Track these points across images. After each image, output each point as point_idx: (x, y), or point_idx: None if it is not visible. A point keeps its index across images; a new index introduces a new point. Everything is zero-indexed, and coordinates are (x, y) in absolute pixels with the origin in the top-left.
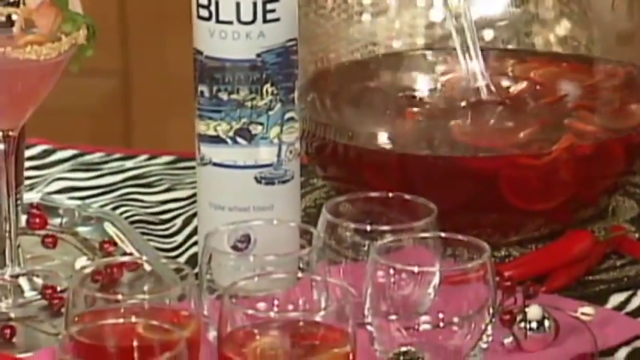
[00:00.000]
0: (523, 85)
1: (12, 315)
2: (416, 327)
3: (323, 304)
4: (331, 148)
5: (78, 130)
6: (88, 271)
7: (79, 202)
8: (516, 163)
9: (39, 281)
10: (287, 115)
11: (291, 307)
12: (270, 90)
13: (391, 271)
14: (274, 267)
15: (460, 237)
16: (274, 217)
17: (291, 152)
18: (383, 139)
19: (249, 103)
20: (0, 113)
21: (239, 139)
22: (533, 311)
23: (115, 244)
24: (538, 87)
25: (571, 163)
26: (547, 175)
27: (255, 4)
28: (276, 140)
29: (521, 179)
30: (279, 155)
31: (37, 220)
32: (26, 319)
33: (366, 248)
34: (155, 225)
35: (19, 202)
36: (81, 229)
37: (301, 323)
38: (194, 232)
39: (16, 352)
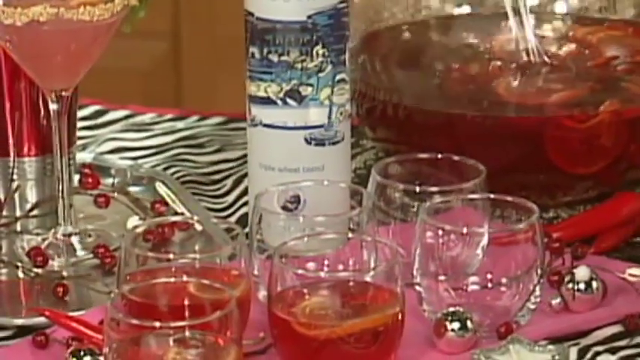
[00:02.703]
0: (572, 47)
1: (64, 274)
2: (464, 288)
3: (372, 265)
4: (381, 110)
5: (130, 90)
6: (139, 230)
7: (130, 162)
8: (561, 125)
9: (91, 240)
10: (338, 77)
11: (340, 267)
12: (320, 52)
13: (440, 232)
14: (324, 227)
15: (509, 198)
16: (324, 178)
17: (341, 114)
18: (432, 100)
19: (299, 65)
20: (53, 74)
21: (289, 101)
22: (581, 272)
23: (167, 204)
24: (587, 50)
25: (616, 127)
26: (591, 138)
27: None
28: (326, 102)
29: (566, 141)
30: (329, 117)
31: (90, 180)
32: (78, 277)
33: (415, 209)
34: (206, 185)
35: (71, 162)
36: (133, 189)
37: (350, 283)
38: (244, 192)
39: (68, 310)
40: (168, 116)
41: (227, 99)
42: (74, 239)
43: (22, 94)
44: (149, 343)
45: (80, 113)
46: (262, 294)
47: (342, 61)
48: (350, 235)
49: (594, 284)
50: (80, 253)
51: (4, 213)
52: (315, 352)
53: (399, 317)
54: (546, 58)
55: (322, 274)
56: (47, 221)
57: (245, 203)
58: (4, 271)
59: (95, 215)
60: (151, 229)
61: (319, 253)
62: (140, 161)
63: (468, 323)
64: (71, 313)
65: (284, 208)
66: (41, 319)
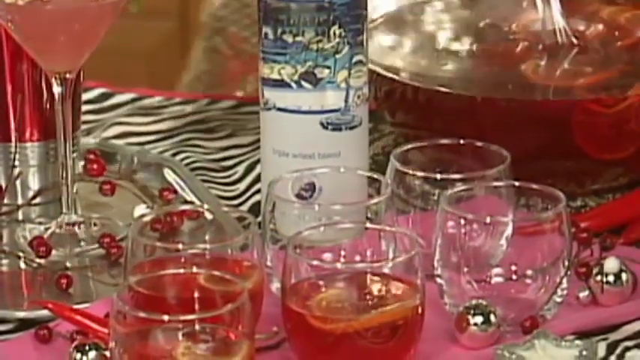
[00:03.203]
0: (600, 28)
1: (68, 264)
2: (487, 280)
3: (391, 255)
4: (400, 93)
5: (136, 72)
6: (147, 219)
7: (137, 147)
8: (589, 109)
9: (96, 230)
10: (355, 59)
11: (357, 258)
12: (337, 32)
13: (462, 222)
14: (340, 216)
15: (534, 186)
16: (341, 164)
17: (359, 97)
18: (454, 82)
19: (315, 46)
20: (57, 55)
21: (304, 83)
22: (610, 264)
23: (175, 191)
24: (616, 31)
25: None
26: (620, 123)
27: None
28: (343, 84)
29: (594, 126)
30: (346, 100)
31: (95, 167)
32: (83, 268)
33: (435, 197)
34: (216, 172)
35: (75, 147)
36: (140, 176)
37: (368, 275)
38: (257, 179)
39: (72, 303)
40: (177, 99)
41: (238, 82)
42: (78, 229)
43: (24, 77)
44: (157, 337)
45: (85, 96)
46: (275, 286)
47: (359, 42)
48: (367, 224)
49: (624, 276)
50: (85, 243)
51: (5, 201)
52: (331, 347)
53: (419, 311)
54: (574, 40)
55: (338, 266)
56: (50, 209)
57: (258, 191)
58: (5, 261)
59: (100, 203)
60: (159, 218)
61: (335, 244)
62: (147, 147)
63: (491, 317)
64: (75, 306)
65: (298, 196)
66: (44, 313)
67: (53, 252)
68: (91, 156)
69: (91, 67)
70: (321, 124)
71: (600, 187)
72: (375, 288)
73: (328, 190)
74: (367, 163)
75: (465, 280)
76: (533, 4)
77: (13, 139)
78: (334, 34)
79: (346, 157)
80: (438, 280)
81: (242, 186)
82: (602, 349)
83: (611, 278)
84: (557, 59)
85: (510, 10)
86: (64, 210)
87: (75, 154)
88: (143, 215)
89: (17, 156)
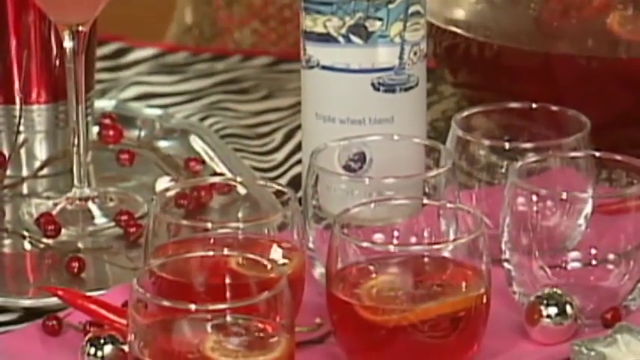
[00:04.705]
0: None
1: (80, 245)
2: (563, 265)
3: (452, 237)
4: (463, 49)
5: (159, 25)
6: (170, 193)
7: (160, 111)
8: None
9: (113, 206)
10: (411, 9)
11: (413, 239)
12: None
13: (534, 198)
14: (394, 191)
15: (617, 157)
16: (394, 131)
17: (415, 54)
18: (526, 37)
19: None
20: (68, 5)
21: (353, 38)
22: None
23: (203, 161)
24: None
25: None
26: None
27: None
28: (397, 39)
29: None
30: (401, 57)
31: (111, 133)
32: (97, 250)
33: (503, 170)
34: (250, 140)
35: (89, 110)
36: (162, 144)
37: (425, 259)
38: (297, 148)
39: (85, 290)
40: (205, 56)
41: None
42: (92, 204)
43: (30, 30)
44: (182, 329)
45: (99, 52)
46: (319, 271)
47: None
48: (425, 200)
49: None
50: (99, 220)
51: (8, 172)
52: (383, 342)
53: (484, 300)
54: None
55: (391, 248)
56: (60, 182)
57: (298, 162)
58: (7, 242)
59: (117, 175)
60: (185, 193)
61: (388, 223)
62: (171, 110)
63: (568, 308)
64: (89, 293)
65: (346, 167)
66: (53, 300)
67: (63, 231)
68: (107, 121)
69: (106, 18)
70: (372, 84)
71: None
72: (434, 274)
73: (380, 161)
74: (425, 130)
75: (538, 265)
76: None
77: (17, 100)
78: None
79: (401, 123)
80: (506, 265)
81: (280, 156)
82: None
83: None
84: None
85: None
86: (76, 183)
87: (88, 119)
88: (166, 189)
89: (22, 120)
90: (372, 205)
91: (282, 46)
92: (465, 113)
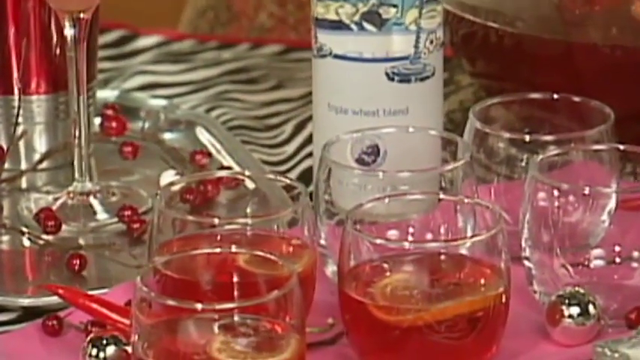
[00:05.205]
0: None
1: (82, 242)
2: (586, 263)
3: (469, 233)
4: (482, 37)
5: (164, 11)
6: (176, 188)
7: (165, 102)
8: None
9: (115, 200)
10: None
11: (429, 236)
12: None
13: (555, 193)
14: (409, 186)
15: None
16: (409, 123)
17: (431, 42)
18: (547, 24)
19: None
20: None
21: (366, 25)
22: None
23: (210, 154)
24: None
25: None
26: None
27: None
28: (412, 27)
29: None
30: (416, 46)
31: (114, 125)
32: (99, 247)
33: (523, 163)
34: (259, 132)
35: (91, 101)
36: (167, 136)
37: (442, 257)
38: (308, 140)
39: (86, 288)
40: (212, 44)
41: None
42: (94, 199)
43: (29, 17)
44: (188, 329)
45: (102, 40)
46: (331, 269)
47: None
48: (441, 195)
49: None
50: (101, 216)
51: (7, 165)
52: (397, 343)
53: (503, 300)
54: None
55: (406, 245)
56: (60, 176)
57: (309, 155)
58: (6, 238)
59: (120, 169)
60: (191, 187)
61: (403, 219)
62: (176, 101)
63: (590, 308)
64: (90, 292)
65: (359, 161)
66: (53, 299)
67: (63, 227)
68: (109, 112)
69: (109, 3)
70: (387, 74)
71: None
72: (450, 272)
73: (394, 154)
74: (441, 122)
75: (559, 263)
76: None
77: (16, 91)
78: None
79: (416, 115)
80: (526, 263)
81: (290, 149)
82: None
83: None
84: None
85: None
86: (77, 177)
87: (90, 110)
88: (171, 183)
89: (21, 111)
90: (386, 200)
91: (301, 30)
92: (483, 104)
